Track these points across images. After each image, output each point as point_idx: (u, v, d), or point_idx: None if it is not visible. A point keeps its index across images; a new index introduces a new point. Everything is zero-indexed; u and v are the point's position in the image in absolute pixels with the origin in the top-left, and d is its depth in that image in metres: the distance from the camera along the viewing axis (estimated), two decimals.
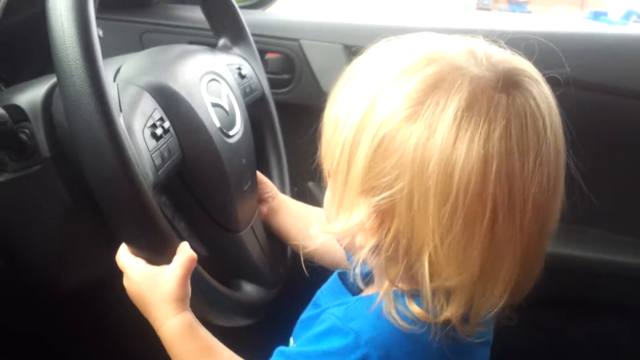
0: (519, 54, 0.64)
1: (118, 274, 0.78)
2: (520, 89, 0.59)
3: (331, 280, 0.80)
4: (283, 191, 1.15)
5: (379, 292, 0.65)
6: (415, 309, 0.63)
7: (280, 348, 0.70)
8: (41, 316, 0.97)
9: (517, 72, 0.60)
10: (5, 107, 0.76)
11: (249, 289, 0.95)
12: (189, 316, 0.76)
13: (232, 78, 1.04)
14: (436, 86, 0.58)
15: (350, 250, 0.69)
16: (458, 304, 0.62)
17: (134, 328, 0.83)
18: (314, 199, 1.44)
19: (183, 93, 0.88)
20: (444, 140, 0.56)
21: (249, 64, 1.16)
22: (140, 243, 0.76)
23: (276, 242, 1.08)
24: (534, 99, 0.59)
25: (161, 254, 0.76)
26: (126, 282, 0.78)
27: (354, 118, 0.62)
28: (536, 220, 0.60)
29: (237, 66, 1.11)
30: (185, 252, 0.76)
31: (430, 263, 0.59)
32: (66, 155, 0.79)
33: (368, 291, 0.73)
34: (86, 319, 1.07)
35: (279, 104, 1.23)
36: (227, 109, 0.96)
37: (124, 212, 0.71)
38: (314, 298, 0.80)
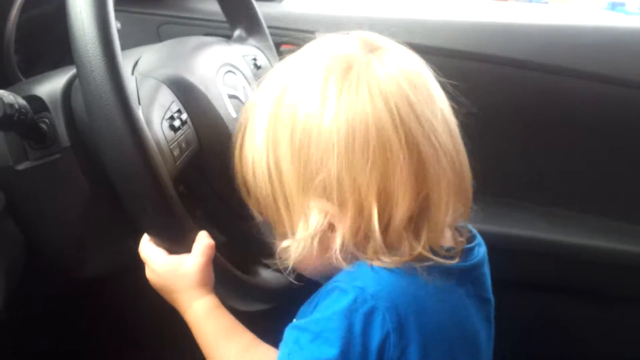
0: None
1: (139, 262, 0.80)
2: (379, 50, 0.70)
3: None
4: None
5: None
6: (393, 259, 0.68)
7: (291, 324, 0.72)
8: (63, 304, 0.98)
9: (378, 42, 0.72)
10: (26, 98, 0.77)
11: (267, 275, 0.96)
12: (213, 299, 0.78)
13: (247, 69, 1.05)
14: (314, 70, 0.69)
15: (319, 265, 0.74)
16: (414, 233, 0.69)
17: (156, 315, 0.84)
18: None
19: (200, 85, 0.89)
20: (337, 114, 0.66)
21: (264, 54, 1.17)
22: (161, 233, 0.77)
23: None
24: (395, 54, 0.71)
25: (181, 244, 0.77)
26: (149, 273, 0.79)
27: (263, 147, 0.70)
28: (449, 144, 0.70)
29: (253, 57, 1.12)
30: (204, 240, 0.77)
31: (381, 212, 0.67)
32: (85, 144, 0.81)
33: None
34: (108, 307, 1.09)
35: None
36: (244, 100, 0.97)
37: (145, 204, 0.72)
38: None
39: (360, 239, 0.69)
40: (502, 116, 1.39)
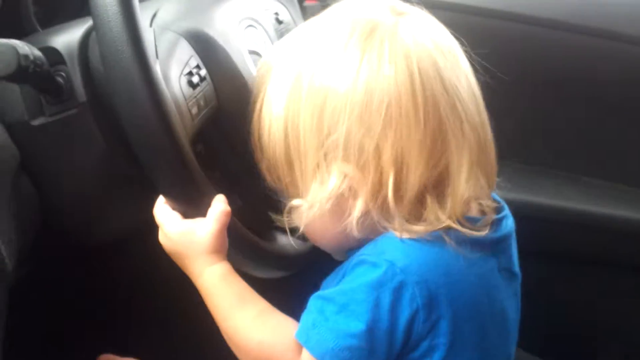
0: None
1: (155, 222, 0.79)
2: (405, 14, 0.70)
3: None
4: None
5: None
6: (419, 228, 0.67)
7: (316, 293, 0.71)
8: (79, 263, 0.98)
9: (404, 8, 0.72)
10: (42, 49, 0.75)
11: (284, 241, 0.95)
12: (226, 266, 0.77)
13: (269, 24, 1.02)
14: (337, 31, 0.69)
15: (331, 233, 0.74)
16: (438, 203, 0.68)
17: (171, 278, 0.84)
18: None
19: (220, 40, 0.86)
20: (359, 75, 0.66)
21: (287, 9, 1.13)
22: (177, 193, 0.75)
23: None
24: (422, 19, 0.71)
25: (196, 207, 0.75)
26: (162, 237, 0.78)
27: (282, 106, 0.70)
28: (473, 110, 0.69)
29: (275, 11, 1.09)
30: (219, 206, 0.76)
31: (397, 177, 0.66)
32: (102, 100, 0.78)
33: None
34: (124, 267, 1.08)
35: None
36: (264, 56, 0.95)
37: (160, 162, 0.70)
38: None
39: (384, 206, 0.67)
40: (528, 80, 1.35)
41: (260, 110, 0.74)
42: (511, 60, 1.29)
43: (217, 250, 0.76)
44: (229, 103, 0.85)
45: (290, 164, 0.71)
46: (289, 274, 0.94)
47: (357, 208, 0.68)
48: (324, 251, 0.80)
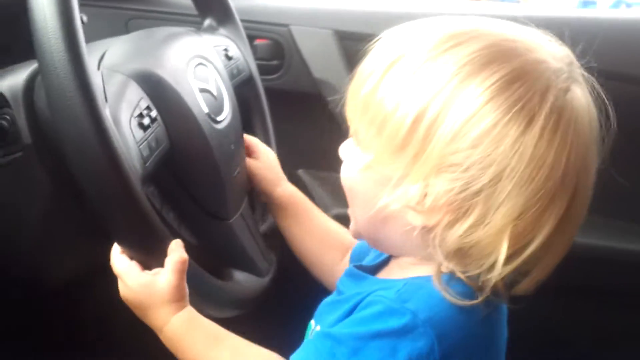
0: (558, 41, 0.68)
1: (108, 265, 0.77)
2: (576, 80, 0.65)
3: (348, 272, 0.81)
4: None
5: (419, 274, 0.69)
6: (463, 276, 0.66)
7: (324, 331, 0.70)
8: (31, 310, 0.95)
9: (574, 66, 0.66)
10: None
11: (241, 278, 0.94)
12: (190, 310, 0.77)
13: (219, 60, 1.02)
14: (521, 79, 0.62)
15: (384, 232, 0.71)
16: (509, 271, 0.65)
17: (129, 320, 0.82)
18: (304, 187, 1.43)
19: (170, 80, 0.85)
20: (537, 135, 0.61)
21: (236, 44, 1.13)
22: (133, 243, 0.75)
23: (267, 228, 1.07)
24: (586, 91, 0.66)
25: (154, 256, 0.75)
26: (122, 289, 0.77)
27: (433, 96, 0.62)
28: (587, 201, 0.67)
29: (224, 47, 1.09)
30: (176, 255, 0.75)
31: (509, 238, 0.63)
32: (48, 142, 0.77)
33: (393, 275, 0.74)
34: (79, 311, 1.06)
35: (268, 91, 1.20)
36: (215, 93, 0.94)
37: (113, 209, 0.69)
38: (337, 289, 0.81)
39: (445, 240, 0.65)
40: None
41: (389, 70, 0.65)
42: None
43: (179, 299, 0.76)
44: (180, 143, 0.84)
45: (403, 147, 0.64)
46: (246, 312, 0.93)
47: (436, 236, 0.65)
48: (284, 286, 0.79)
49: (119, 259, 0.76)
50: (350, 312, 0.70)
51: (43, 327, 1.01)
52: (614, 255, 1.32)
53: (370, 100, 0.66)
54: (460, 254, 0.65)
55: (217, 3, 1.14)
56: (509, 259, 0.63)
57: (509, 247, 0.62)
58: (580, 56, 0.68)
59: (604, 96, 0.67)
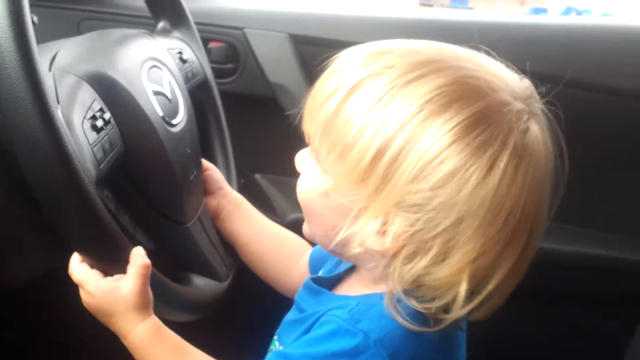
0: (514, 70, 0.69)
1: (64, 268, 0.76)
2: (536, 116, 0.66)
3: (305, 285, 0.81)
4: (229, 181, 1.12)
5: (374, 292, 0.69)
6: (418, 306, 0.66)
7: (279, 351, 0.71)
8: None
9: (532, 100, 0.67)
10: None
11: (199, 282, 0.93)
12: (155, 320, 0.76)
13: (173, 63, 1.01)
14: (485, 122, 0.62)
15: (338, 249, 0.70)
16: (470, 308, 0.65)
17: (83, 321, 0.81)
18: (262, 192, 1.42)
19: (123, 81, 0.84)
20: (497, 179, 0.61)
21: (190, 47, 1.13)
22: (88, 246, 0.73)
23: None
24: (543, 126, 0.67)
25: (115, 262, 0.74)
26: (85, 296, 0.76)
27: (395, 132, 0.62)
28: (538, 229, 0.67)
29: (178, 50, 1.08)
30: (138, 260, 0.74)
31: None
32: (0, 145, 0.75)
33: (353, 291, 0.74)
34: (34, 314, 1.04)
35: (223, 94, 1.20)
36: (170, 96, 0.93)
37: (67, 212, 0.68)
38: (295, 303, 0.80)
39: (403, 269, 0.65)
40: None
41: (350, 96, 0.65)
42: None
43: (143, 306, 0.75)
44: (135, 146, 0.83)
45: (364, 180, 0.64)
46: (205, 315, 0.92)
47: (377, 246, 0.65)
48: (240, 290, 0.79)
49: (78, 267, 0.75)
50: (308, 331, 0.70)
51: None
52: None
53: (330, 124, 0.66)
54: (416, 286, 0.65)
55: (171, 5, 1.13)
56: (469, 295, 0.64)
57: (468, 286, 0.63)
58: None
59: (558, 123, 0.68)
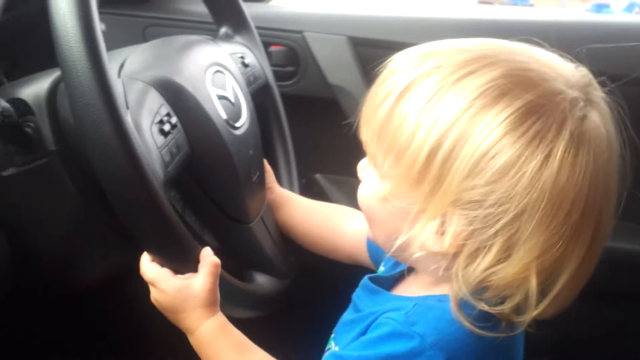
0: (573, 61, 0.67)
1: (135, 268, 0.79)
2: (595, 104, 0.64)
3: (363, 284, 0.81)
4: (290, 182, 1.14)
5: (432, 294, 0.69)
6: (489, 309, 0.64)
7: (335, 352, 0.71)
8: (57, 314, 0.97)
9: (591, 88, 0.64)
10: (10, 101, 0.75)
11: (262, 280, 0.95)
12: (222, 317, 0.79)
13: (235, 68, 1.04)
14: (538, 112, 0.60)
15: (399, 253, 0.70)
16: (544, 305, 0.64)
17: (154, 321, 0.83)
18: (322, 191, 1.44)
19: (189, 87, 0.87)
20: (555, 169, 0.59)
21: (252, 52, 1.15)
22: (164, 253, 0.76)
23: None
24: (605, 114, 0.64)
25: (186, 263, 0.77)
26: (156, 294, 0.79)
27: (447, 130, 0.61)
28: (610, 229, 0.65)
29: (240, 55, 1.10)
30: (209, 259, 0.77)
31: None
32: (73, 149, 0.79)
33: (410, 291, 0.74)
34: (103, 315, 1.07)
35: (284, 97, 1.22)
36: (233, 100, 0.95)
37: (137, 213, 0.70)
38: (352, 303, 0.81)
39: (468, 270, 0.64)
40: None
41: (401, 98, 0.64)
42: None
43: (212, 303, 0.78)
44: (200, 149, 0.86)
45: (419, 181, 0.63)
46: (267, 313, 0.94)
47: (437, 248, 0.65)
48: (302, 289, 0.80)
49: (150, 267, 0.78)
50: (364, 332, 0.70)
51: (71, 330, 1.03)
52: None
53: (384, 129, 0.66)
54: (482, 287, 0.64)
55: (233, 11, 1.16)
56: (540, 294, 0.62)
57: (538, 284, 0.61)
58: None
59: (623, 114, 0.66)
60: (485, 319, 0.64)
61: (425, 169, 0.62)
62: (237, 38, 1.16)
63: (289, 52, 1.41)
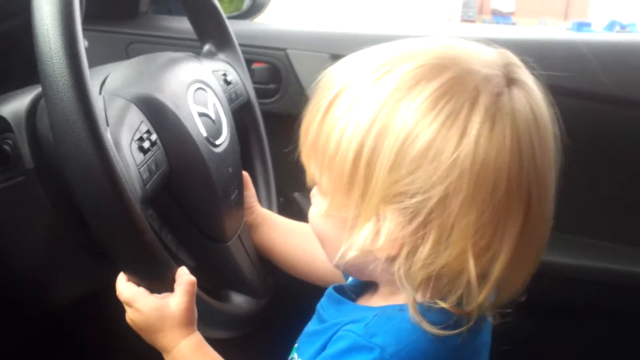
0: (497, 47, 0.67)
1: (111, 285, 0.78)
2: (518, 81, 0.64)
3: (328, 294, 0.80)
4: (269, 200, 1.15)
5: (391, 303, 0.68)
6: (443, 304, 0.64)
7: None
8: (31, 332, 0.96)
9: (513, 67, 0.65)
10: None
11: (239, 300, 0.95)
12: (198, 336, 0.78)
13: (217, 85, 1.04)
14: (449, 92, 0.61)
15: (355, 266, 0.70)
16: (487, 291, 0.64)
17: (130, 339, 0.83)
18: (300, 210, 1.43)
19: (170, 104, 0.87)
20: (472, 145, 0.60)
21: (234, 69, 1.15)
22: (141, 272, 0.76)
23: None
24: (530, 91, 0.64)
25: (163, 282, 0.76)
26: (132, 315, 0.78)
27: (367, 129, 0.62)
28: (548, 210, 0.65)
29: (223, 72, 1.10)
30: (185, 278, 0.77)
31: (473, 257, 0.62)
32: (50, 167, 0.78)
33: (373, 302, 0.74)
34: (79, 332, 1.06)
35: (265, 114, 1.22)
36: (214, 117, 0.96)
37: (114, 233, 0.70)
38: (316, 313, 0.80)
39: (413, 269, 0.64)
40: None
41: (328, 112, 0.66)
42: None
43: (189, 322, 0.77)
44: (179, 166, 0.86)
45: (350, 186, 0.64)
46: (244, 333, 0.94)
47: (401, 263, 0.64)
48: (278, 309, 0.80)
49: (126, 286, 0.77)
50: (327, 343, 0.70)
51: (46, 347, 1.02)
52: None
53: (316, 145, 0.67)
54: (430, 281, 0.64)
55: (217, 29, 1.16)
56: (481, 279, 0.63)
57: (476, 266, 0.61)
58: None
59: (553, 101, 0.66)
60: (443, 320, 0.65)
61: (353, 173, 0.63)
62: (221, 55, 1.17)
63: (271, 70, 1.42)
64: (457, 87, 0.61)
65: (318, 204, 0.71)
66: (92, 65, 0.72)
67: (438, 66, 0.62)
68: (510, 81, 0.63)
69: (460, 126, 0.60)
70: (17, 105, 0.80)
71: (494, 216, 0.61)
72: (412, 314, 0.65)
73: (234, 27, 1.19)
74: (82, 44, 0.68)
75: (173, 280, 0.77)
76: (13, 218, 0.79)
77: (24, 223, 0.80)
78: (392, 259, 0.65)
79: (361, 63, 0.67)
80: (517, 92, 0.63)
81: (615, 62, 1.35)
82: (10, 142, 0.77)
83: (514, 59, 0.66)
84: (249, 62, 1.29)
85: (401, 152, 0.61)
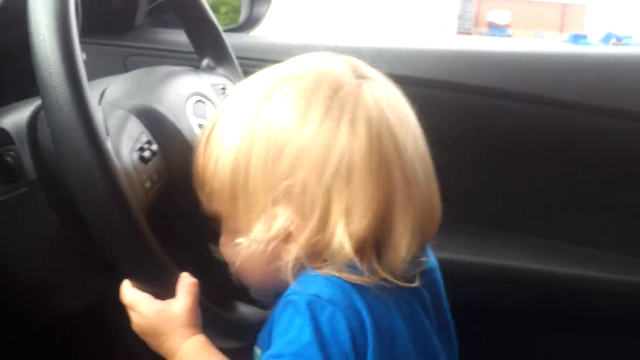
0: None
1: (116, 295, 0.78)
2: (367, 78, 0.73)
3: None
4: None
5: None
6: (352, 277, 0.69)
7: (265, 354, 0.71)
8: (36, 342, 0.96)
9: (358, 68, 0.74)
10: None
11: (245, 310, 0.95)
12: (203, 337, 0.78)
13: (216, 98, 1.05)
14: (309, 93, 0.70)
15: (271, 279, 0.75)
16: (377, 257, 0.70)
17: (135, 348, 0.83)
18: None
19: (169, 115, 0.87)
20: (320, 130, 0.68)
21: (233, 83, 1.16)
22: (144, 279, 0.76)
23: None
24: (383, 85, 0.74)
25: (166, 288, 0.76)
26: (136, 318, 0.78)
27: (239, 142, 0.71)
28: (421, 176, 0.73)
29: (222, 86, 1.11)
30: (187, 279, 0.77)
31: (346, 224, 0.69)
32: (53, 177, 0.79)
33: None
34: (84, 342, 1.06)
35: None
36: None
37: (118, 241, 0.71)
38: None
39: (316, 252, 0.70)
40: (470, 145, 1.40)
41: (208, 141, 0.75)
42: (453, 124, 1.34)
43: (193, 323, 0.77)
44: (180, 176, 0.86)
45: (234, 198, 0.73)
46: (250, 343, 0.94)
47: (292, 252, 0.71)
48: None
49: (130, 291, 0.77)
50: (275, 320, 0.72)
51: (47, 359, 1.02)
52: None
53: (203, 178, 0.76)
54: (318, 256, 0.70)
55: (215, 44, 1.17)
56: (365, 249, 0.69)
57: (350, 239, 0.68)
58: None
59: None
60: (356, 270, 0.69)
61: (233, 188, 0.72)
62: (219, 70, 1.17)
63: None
64: (312, 89, 0.70)
65: (222, 236, 0.78)
66: (90, 78, 0.73)
67: (295, 75, 0.72)
68: (360, 77, 0.72)
69: (300, 117, 0.69)
70: (18, 117, 0.80)
71: (357, 192, 0.68)
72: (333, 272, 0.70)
73: (231, 40, 1.20)
74: (79, 53, 0.69)
75: (176, 286, 0.77)
76: (17, 229, 0.79)
77: (27, 234, 0.80)
78: (299, 258, 0.71)
79: (235, 92, 0.78)
80: (365, 85, 0.71)
81: (612, 75, 1.36)
82: (12, 153, 0.78)
83: (360, 62, 0.76)
84: (245, 75, 1.30)
85: (270, 156, 0.69)
